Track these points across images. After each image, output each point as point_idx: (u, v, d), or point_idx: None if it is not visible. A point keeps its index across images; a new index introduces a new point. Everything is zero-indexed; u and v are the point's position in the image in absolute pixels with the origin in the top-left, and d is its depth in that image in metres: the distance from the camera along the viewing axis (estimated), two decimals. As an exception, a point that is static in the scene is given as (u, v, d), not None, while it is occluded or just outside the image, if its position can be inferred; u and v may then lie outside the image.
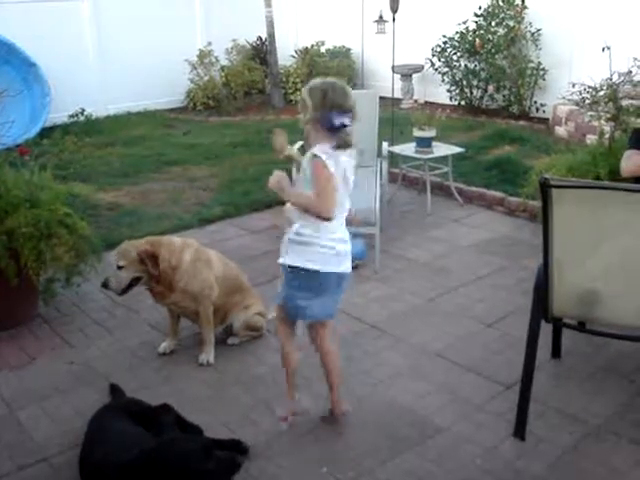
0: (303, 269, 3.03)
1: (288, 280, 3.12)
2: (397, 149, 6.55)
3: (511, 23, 9.36)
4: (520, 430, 3.21)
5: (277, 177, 3.12)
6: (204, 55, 10.67)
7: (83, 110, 9.66)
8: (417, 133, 6.35)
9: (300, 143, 6.00)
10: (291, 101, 11.14)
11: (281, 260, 3.12)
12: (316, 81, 3.07)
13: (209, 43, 10.67)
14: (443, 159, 6.47)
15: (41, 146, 5.76)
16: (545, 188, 2.82)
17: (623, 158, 4.11)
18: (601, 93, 5.34)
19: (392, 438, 3.24)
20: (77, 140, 5.93)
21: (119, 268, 3.73)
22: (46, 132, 8.37)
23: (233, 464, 2.78)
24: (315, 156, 2.95)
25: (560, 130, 8.50)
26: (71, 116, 9.55)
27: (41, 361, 3.96)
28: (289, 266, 3.07)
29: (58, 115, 9.29)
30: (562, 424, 3.30)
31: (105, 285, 3.77)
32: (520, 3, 9.34)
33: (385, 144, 5.89)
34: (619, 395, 3.52)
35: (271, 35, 10.88)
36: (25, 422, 3.40)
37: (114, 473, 2.68)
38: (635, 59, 5.25)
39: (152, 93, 10.60)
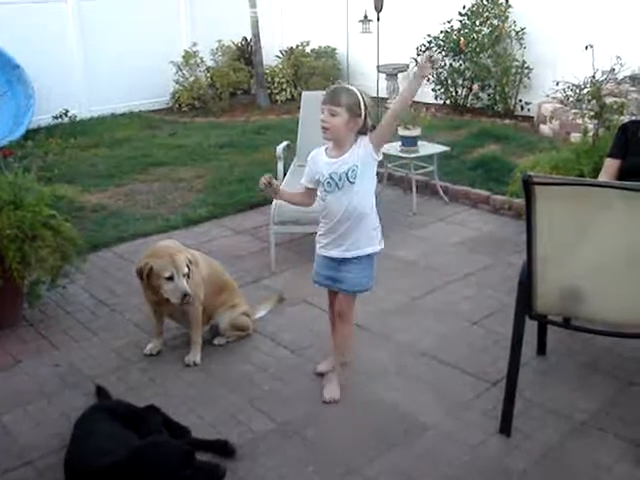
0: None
1: (371, 263, 3.45)
2: (382, 148, 6.54)
3: (495, 22, 9.38)
4: (506, 427, 3.22)
5: None
6: (189, 56, 10.63)
7: (67, 111, 9.61)
8: (402, 132, 6.35)
9: (286, 143, 6.02)
10: (276, 101, 11.14)
11: (379, 247, 3.45)
12: (354, 89, 3.25)
13: (194, 44, 10.63)
14: (428, 158, 6.49)
15: (25, 148, 5.70)
16: (528, 185, 2.83)
17: (603, 166, 4.20)
18: (585, 91, 5.38)
19: (378, 436, 3.25)
20: (61, 142, 5.90)
21: (185, 275, 3.72)
22: (30, 134, 8.34)
23: (214, 473, 2.77)
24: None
25: (545, 128, 8.53)
26: (55, 117, 9.50)
27: (26, 363, 3.94)
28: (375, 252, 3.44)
29: (42, 117, 9.24)
30: (548, 420, 3.32)
31: (185, 298, 3.70)
32: (504, 2, 9.38)
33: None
34: (604, 391, 3.54)
35: (256, 35, 10.86)
36: (10, 425, 3.38)
37: (98, 476, 2.67)
38: (618, 57, 5.29)
39: (137, 94, 10.55)
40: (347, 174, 3.23)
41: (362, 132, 3.27)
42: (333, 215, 3.32)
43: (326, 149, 3.34)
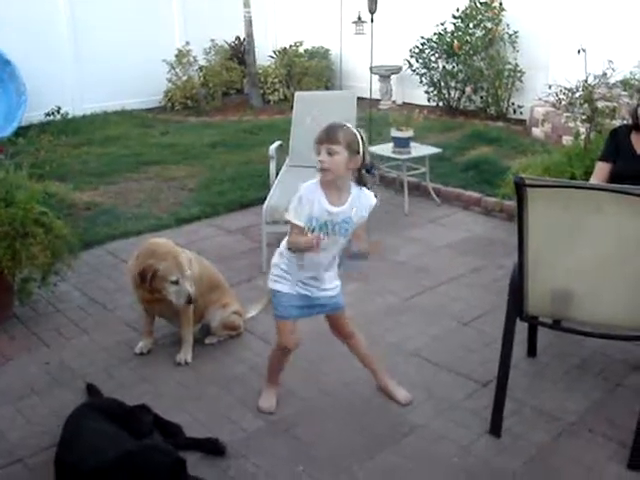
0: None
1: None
2: (374, 149, 6.56)
3: (489, 25, 9.43)
4: (496, 427, 3.23)
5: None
6: (182, 55, 10.63)
7: (59, 108, 9.58)
8: (395, 133, 6.38)
9: (278, 142, 6.02)
10: (269, 101, 11.15)
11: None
12: (349, 125, 3.12)
13: (187, 43, 10.65)
14: (421, 159, 6.50)
15: (17, 145, 5.71)
16: (520, 188, 2.84)
17: (594, 170, 4.24)
18: (577, 95, 5.40)
19: (369, 436, 3.25)
20: (53, 139, 5.88)
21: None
22: (22, 131, 8.31)
23: None
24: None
25: (537, 131, 8.57)
26: (47, 114, 9.46)
27: (16, 361, 3.93)
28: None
29: (34, 114, 9.22)
30: (537, 421, 3.33)
31: (190, 300, 3.71)
32: (498, 5, 9.42)
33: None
34: (593, 392, 3.56)
35: (249, 35, 10.87)
36: (0, 422, 3.36)
37: (88, 475, 2.67)
38: (610, 61, 5.31)
39: (130, 93, 10.54)
40: (342, 225, 3.12)
41: (361, 181, 3.14)
42: (310, 258, 3.16)
43: (325, 193, 3.09)
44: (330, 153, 3.00)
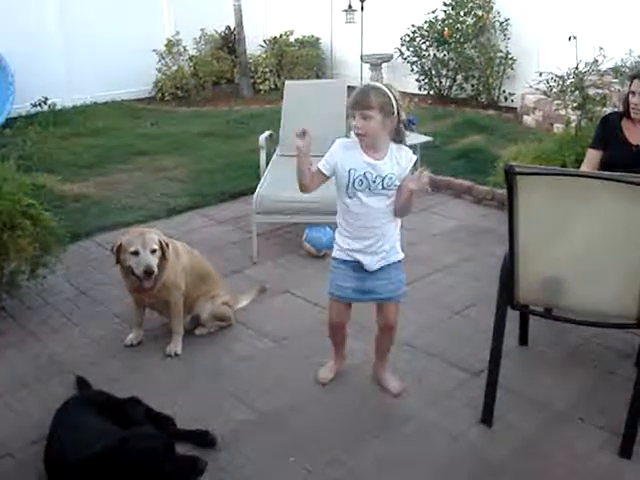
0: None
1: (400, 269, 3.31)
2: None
3: (479, 13, 9.41)
4: (487, 416, 3.23)
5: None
6: (172, 45, 10.58)
7: (46, 99, 9.46)
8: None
9: (269, 132, 5.99)
10: (260, 91, 11.10)
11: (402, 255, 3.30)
12: (380, 85, 3.08)
13: (177, 32, 10.58)
14: (411, 148, 6.43)
15: (4, 137, 5.66)
16: (510, 176, 2.83)
17: (585, 157, 4.24)
18: (568, 82, 5.40)
19: (360, 426, 3.24)
20: (41, 130, 5.83)
21: (153, 252, 3.69)
22: (9, 122, 8.24)
23: (194, 466, 2.74)
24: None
25: (528, 119, 8.56)
26: (34, 105, 9.37)
27: (5, 354, 3.89)
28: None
29: (22, 105, 9.13)
30: (529, 410, 3.33)
31: (148, 271, 3.65)
32: (488, -7, 9.40)
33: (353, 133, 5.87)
34: (584, 380, 3.56)
35: (239, 24, 10.81)
36: (-11, 416, 3.35)
37: (78, 467, 2.65)
38: (600, 49, 5.30)
39: (119, 83, 10.45)
40: (384, 179, 3.05)
41: (398, 138, 3.12)
42: (357, 218, 3.13)
43: (361, 145, 3.09)
44: (365, 118, 2.99)
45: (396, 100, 3.02)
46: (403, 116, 3.09)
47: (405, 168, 3.10)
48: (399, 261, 3.28)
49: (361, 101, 3.00)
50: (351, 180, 3.08)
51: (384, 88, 3.04)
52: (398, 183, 3.07)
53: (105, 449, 2.64)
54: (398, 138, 3.13)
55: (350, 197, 3.12)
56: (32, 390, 3.56)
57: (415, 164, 3.16)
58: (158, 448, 2.66)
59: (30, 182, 4.42)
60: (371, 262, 3.19)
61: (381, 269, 3.23)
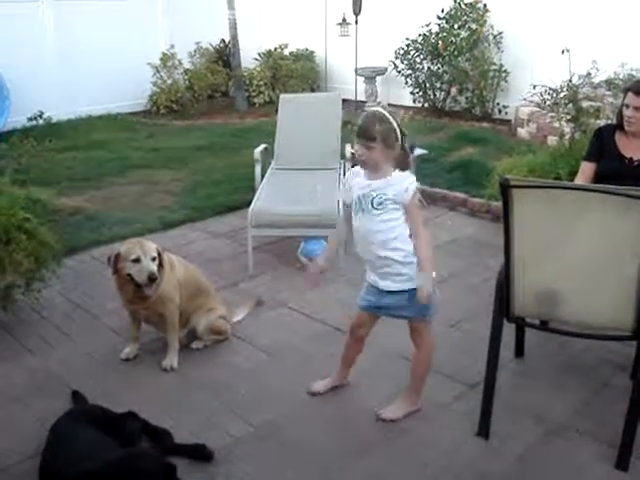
0: None
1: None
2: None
3: (473, 26, 9.46)
4: (484, 429, 3.22)
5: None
6: (167, 58, 10.60)
7: (42, 113, 9.41)
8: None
9: (264, 146, 6.00)
10: (255, 104, 11.13)
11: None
12: (386, 114, 3.08)
13: (172, 46, 10.60)
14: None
15: (-1, 150, 5.64)
16: (505, 188, 2.84)
17: (579, 170, 4.25)
18: (561, 95, 5.43)
19: (356, 440, 3.24)
20: (37, 144, 5.82)
21: (153, 259, 3.70)
22: (4, 136, 8.22)
23: None
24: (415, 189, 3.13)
25: (522, 131, 8.60)
26: (30, 119, 9.34)
27: (0, 368, 3.88)
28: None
29: (17, 119, 9.10)
30: (525, 422, 3.33)
31: (152, 277, 3.66)
32: (482, 6, 9.45)
33: (348, 146, 5.89)
34: (580, 392, 3.56)
35: (234, 38, 10.85)
36: (-16, 431, 3.33)
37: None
38: (594, 62, 5.34)
39: (114, 96, 10.45)
40: (374, 198, 3.09)
41: (402, 165, 3.14)
42: (357, 240, 3.23)
43: (366, 174, 3.17)
44: (367, 148, 3.05)
45: (400, 130, 3.07)
46: (405, 145, 3.13)
47: (400, 194, 3.09)
48: (414, 289, 3.15)
49: (364, 132, 3.05)
50: (354, 201, 3.18)
51: (389, 118, 3.06)
52: (391, 206, 3.09)
53: (102, 467, 2.63)
54: (403, 167, 3.15)
55: (354, 218, 3.22)
56: (27, 404, 3.54)
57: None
58: (156, 470, 2.64)
59: (25, 196, 4.43)
60: (383, 284, 3.23)
61: (397, 291, 3.22)
